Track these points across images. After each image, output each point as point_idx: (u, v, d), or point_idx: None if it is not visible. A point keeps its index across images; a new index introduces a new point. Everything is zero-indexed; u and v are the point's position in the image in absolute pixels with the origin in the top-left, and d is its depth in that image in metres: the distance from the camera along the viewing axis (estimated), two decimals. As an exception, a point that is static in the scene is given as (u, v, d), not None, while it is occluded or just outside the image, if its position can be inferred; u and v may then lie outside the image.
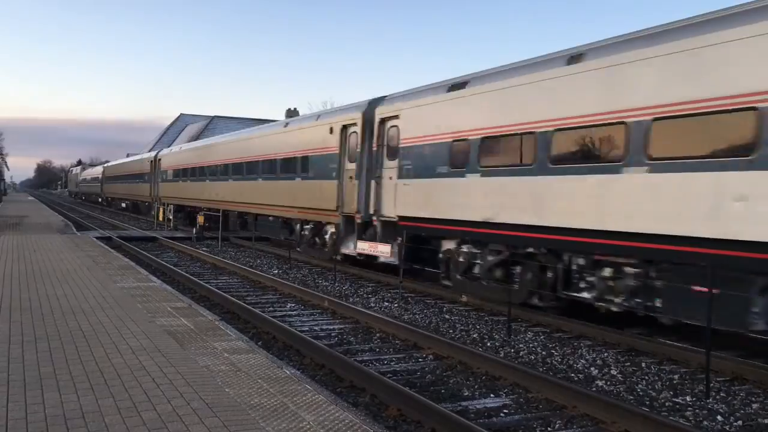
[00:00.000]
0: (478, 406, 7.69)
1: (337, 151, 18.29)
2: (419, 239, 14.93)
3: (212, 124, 73.45)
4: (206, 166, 31.04)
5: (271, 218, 22.98)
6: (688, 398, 8.23)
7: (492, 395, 8.13)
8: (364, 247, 15.15)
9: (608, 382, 8.77)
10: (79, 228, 31.51)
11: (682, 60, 9.68)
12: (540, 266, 12.05)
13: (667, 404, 8.02)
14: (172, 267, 18.24)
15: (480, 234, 13.18)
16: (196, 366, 7.43)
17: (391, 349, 10.26)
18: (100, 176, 70.10)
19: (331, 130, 18.67)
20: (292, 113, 56.27)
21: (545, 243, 11.78)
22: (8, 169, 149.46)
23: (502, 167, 12.66)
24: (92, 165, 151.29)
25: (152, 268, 18.42)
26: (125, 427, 5.57)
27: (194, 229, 29.25)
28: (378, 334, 11.19)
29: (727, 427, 7.36)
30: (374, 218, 16.39)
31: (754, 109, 8.81)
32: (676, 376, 9.12)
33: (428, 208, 14.39)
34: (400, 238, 15.28)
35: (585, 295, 11.22)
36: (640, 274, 10.28)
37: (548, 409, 7.70)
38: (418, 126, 14.73)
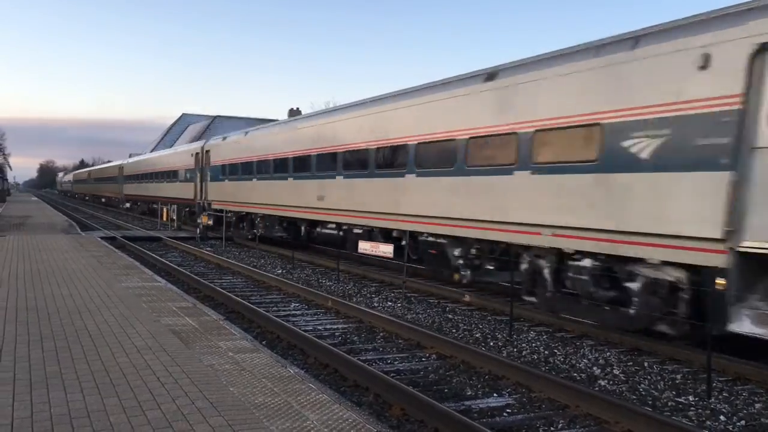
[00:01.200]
0: (481, 406, 7.72)
1: None
2: (430, 244, 14.73)
3: (214, 124, 73.60)
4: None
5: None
6: (690, 398, 8.25)
7: (495, 395, 8.16)
8: (366, 247, 15.17)
9: (611, 382, 8.79)
10: (83, 228, 31.63)
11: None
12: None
13: (669, 404, 8.04)
14: (176, 267, 18.30)
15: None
16: (201, 365, 7.46)
17: (394, 349, 10.29)
18: (72, 180, 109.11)
19: None
20: (294, 113, 56.26)
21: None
22: (11, 169, 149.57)
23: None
24: (82, 165, 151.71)
25: (157, 268, 18.48)
26: (130, 427, 5.61)
27: (198, 230, 29.20)
28: (381, 334, 11.22)
29: (729, 427, 7.38)
30: None
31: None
32: (678, 376, 9.14)
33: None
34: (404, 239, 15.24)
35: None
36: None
37: (551, 408, 7.72)
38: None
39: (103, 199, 69.63)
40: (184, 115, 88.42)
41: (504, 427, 7.13)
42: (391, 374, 8.73)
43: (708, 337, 8.50)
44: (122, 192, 56.72)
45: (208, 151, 30.57)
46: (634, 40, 10.12)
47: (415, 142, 14.81)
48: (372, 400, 7.79)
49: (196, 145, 33.78)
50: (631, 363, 9.72)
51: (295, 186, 20.87)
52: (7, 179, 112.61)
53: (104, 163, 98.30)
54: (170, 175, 38.40)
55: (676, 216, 9.24)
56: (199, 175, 31.85)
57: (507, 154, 12.12)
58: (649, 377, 9.05)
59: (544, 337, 11.20)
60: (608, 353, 10.20)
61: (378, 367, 9.01)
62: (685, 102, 9.12)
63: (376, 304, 13.83)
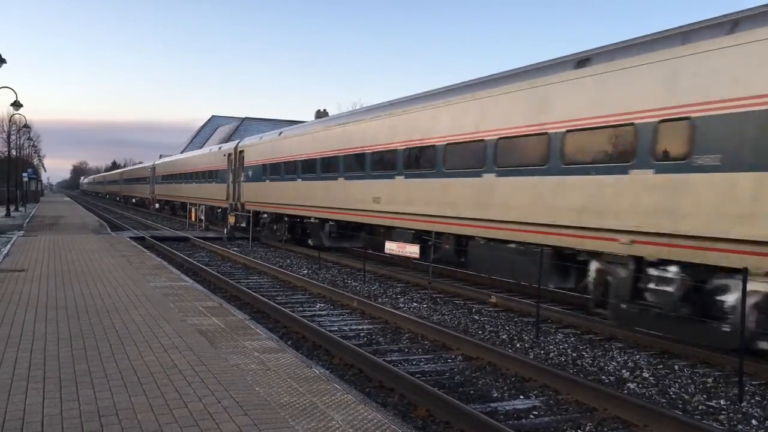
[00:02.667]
0: (507, 408, 7.65)
1: None
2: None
3: (243, 125, 74.11)
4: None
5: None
6: (721, 402, 8.10)
7: (521, 397, 8.09)
8: (393, 247, 15.14)
9: (640, 385, 8.67)
10: (113, 228, 32.03)
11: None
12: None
13: (700, 408, 7.91)
14: (203, 267, 18.45)
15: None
16: (227, 365, 7.50)
17: (419, 350, 10.25)
18: (92, 181, 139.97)
19: None
20: (321, 114, 56.32)
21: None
22: (45, 171, 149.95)
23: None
24: (114, 167, 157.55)
25: (184, 268, 18.65)
26: (158, 425, 5.65)
27: (225, 230, 29.36)
28: (407, 335, 11.19)
29: (762, 432, 7.23)
30: None
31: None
32: (709, 380, 8.98)
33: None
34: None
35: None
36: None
37: (578, 411, 7.63)
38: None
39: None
40: (213, 117, 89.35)
41: (530, 430, 7.06)
42: (417, 375, 8.69)
43: (741, 340, 8.34)
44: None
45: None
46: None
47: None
48: (397, 401, 7.77)
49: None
50: (660, 366, 9.57)
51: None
52: (41, 180, 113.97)
53: (136, 164, 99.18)
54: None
55: None
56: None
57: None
58: (679, 380, 8.91)
59: (572, 339, 11.08)
60: (637, 356, 10.06)
61: (403, 368, 8.98)
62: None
63: (401, 305, 13.79)
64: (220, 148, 35.58)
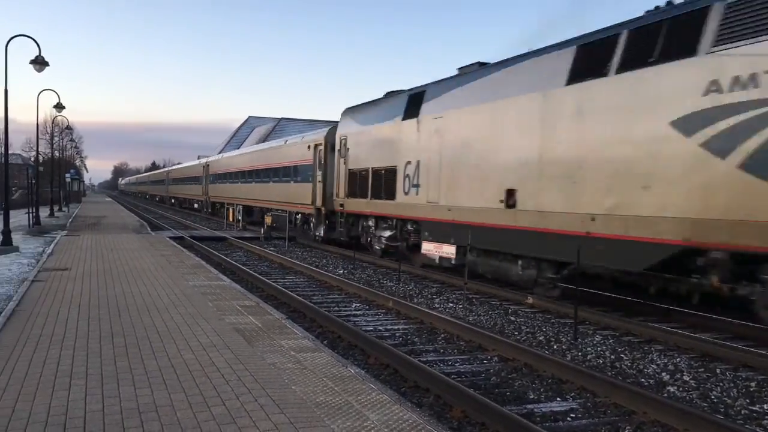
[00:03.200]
0: (543, 410, 7.59)
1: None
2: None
3: (280, 126, 74.61)
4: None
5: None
6: (765, 406, 7.91)
7: (558, 399, 8.01)
8: (429, 248, 15.06)
9: (680, 388, 8.51)
10: (153, 228, 32.42)
11: None
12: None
13: (743, 412, 7.74)
14: (240, 266, 18.63)
15: None
16: (264, 363, 7.57)
17: (455, 350, 10.22)
18: (130, 182, 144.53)
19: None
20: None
21: None
22: (87, 171, 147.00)
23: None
24: (153, 167, 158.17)
25: (222, 267, 18.87)
26: (196, 422, 5.74)
27: (262, 230, 29.40)
28: (442, 335, 11.16)
29: (807, 438, 7.04)
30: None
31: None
32: (752, 383, 8.78)
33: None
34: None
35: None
36: None
37: (616, 414, 7.53)
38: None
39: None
40: (250, 117, 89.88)
41: (567, 432, 6.99)
42: (452, 376, 8.66)
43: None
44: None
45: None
46: None
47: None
48: (432, 402, 7.75)
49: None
50: (702, 369, 9.39)
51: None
52: (83, 180, 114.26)
53: (174, 165, 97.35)
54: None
55: None
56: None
57: None
58: (721, 384, 8.73)
59: (611, 341, 10.93)
60: (678, 359, 9.87)
61: (439, 369, 8.96)
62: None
63: (437, 305, 13.73)
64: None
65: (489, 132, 14.17)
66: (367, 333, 10.71)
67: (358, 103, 22.22)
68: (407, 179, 17.44)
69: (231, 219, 35.66)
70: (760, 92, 8.88)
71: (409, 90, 18.42)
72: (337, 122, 23.11)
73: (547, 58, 12.99)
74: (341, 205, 21.83)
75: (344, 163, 21.60)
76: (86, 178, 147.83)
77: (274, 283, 15.48)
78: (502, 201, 13.49)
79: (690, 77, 9.82)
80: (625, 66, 10.99)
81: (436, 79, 17.15)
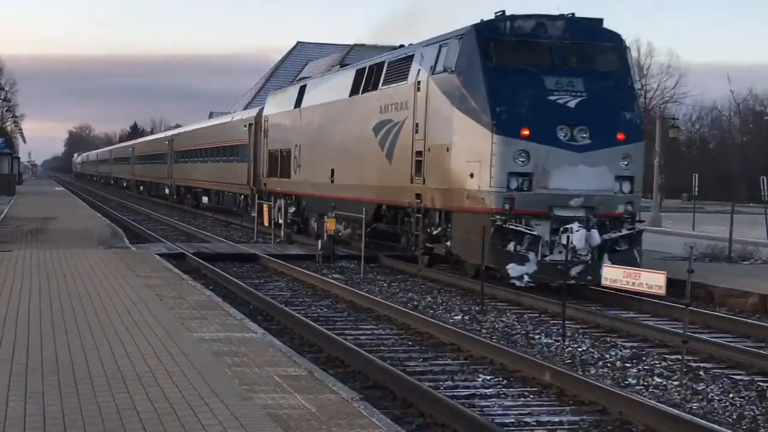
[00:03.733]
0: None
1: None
2: None
3: (352, 57, 47.41)
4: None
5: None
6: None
7: None
8: (617, 276, 8.71)
9: None
10: (134, 239, 21.88)
11: None
12: None
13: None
14: (282, 306, 11.94)
15: None
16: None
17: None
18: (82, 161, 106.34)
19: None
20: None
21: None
22: (24, 141, 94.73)
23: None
24: (133, 133, 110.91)
25: (249, 308, 12.20)
26: None
27: (319, 243, 18.42)
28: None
29: None
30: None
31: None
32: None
33: None
34: None
35: None
36: None
37: None
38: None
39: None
40: (300, 45, 58.06)
41: None
42: None
43: None
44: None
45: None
46: None
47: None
48: None
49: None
50: None
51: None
52: (17, 157, 69.86)
53: (172, 127, 62.16)
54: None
55: None
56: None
57: None
58: None
59: None
60: None
61: None
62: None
63: (632, 380, 8.09)
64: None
65: (324, 124, 19.84)
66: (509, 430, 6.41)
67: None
68: (295, 160, 21.63)
69: (266, 223, 23.13)
70: (393, 115, 15.97)
71: (300, 80, 25.50)
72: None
73: (347, 71, 19.53)
74: (264, 185, 24.60)
75: (266, 144, 24.63)
76: (23, 153, 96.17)
77: (339, 337, 9.71)
78: (329, 178, 18.98)
79: (374, 101, 17.01)
80: (363, 89, 17.67)
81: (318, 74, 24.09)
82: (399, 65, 16.00)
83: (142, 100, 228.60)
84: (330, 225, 17.63)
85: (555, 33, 13.56)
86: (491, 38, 13.45)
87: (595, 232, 12.58)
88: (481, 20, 13.99)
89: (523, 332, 10.64)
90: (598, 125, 12.95)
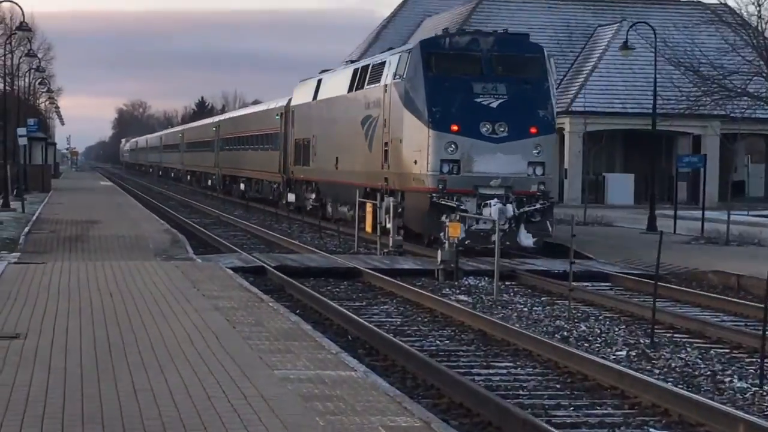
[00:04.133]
0: None
1: None
2: None
3: (482, 7, 40.70)
4: None
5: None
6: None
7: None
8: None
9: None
10: (200, 248, 19.06)
11: None
12: None
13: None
14: (390, 337, 9.45)
15: None
16: None
17: None
18: (130, 148, 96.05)
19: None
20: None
21: None
22: (63, 123, 77.72)
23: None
24: (200, 111, 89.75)
25: (348, 338, 9.88)
26: None
27: (438, 254, 14.83)
28: None
29: None
30: None
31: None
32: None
33: None
34: None
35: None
36: None
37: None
38: None
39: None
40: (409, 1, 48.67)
41: None
42: None
43: None
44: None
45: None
46: None
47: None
48: None
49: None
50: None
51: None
52: (54, 144, 57.84)
53: (250, 104, 57.10)
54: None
55: None
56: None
57: None
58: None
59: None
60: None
61: None
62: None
63: None
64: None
65: (332, 116, 23.11)
66: None
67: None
68: (313, 149, 24.28)
69: (369, 228, 19.01)
70: (372, 111, 19.02)
71: (322, 72, 26.32)
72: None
73: (348, 69, 23.23)
74: (292, 172, 27.16)
75: (293, 134, 27.03)
76: (60, 138, 78.77)
77: (464, 378, 7.75)
78: (335, 165, 22.12)
79: (362, 98, 20.15)
80: (356, 87, 20.83)
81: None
82: (378, 69, 19.31)
83: (211, 68, 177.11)
84: (453, 230, 14.53)
85: (486, 47, 16.93)
86: (432, 52, 17.01)
87: (510, 207, 15.82)
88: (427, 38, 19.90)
89: (708, 373, 8.23)
90: (514, 121, 16.28)
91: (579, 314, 11.45)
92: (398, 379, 7.79)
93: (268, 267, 14.92)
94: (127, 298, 10.39)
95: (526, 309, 12.01)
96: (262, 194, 32.22)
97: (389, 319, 11.33)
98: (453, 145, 16.14)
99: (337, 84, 22.71)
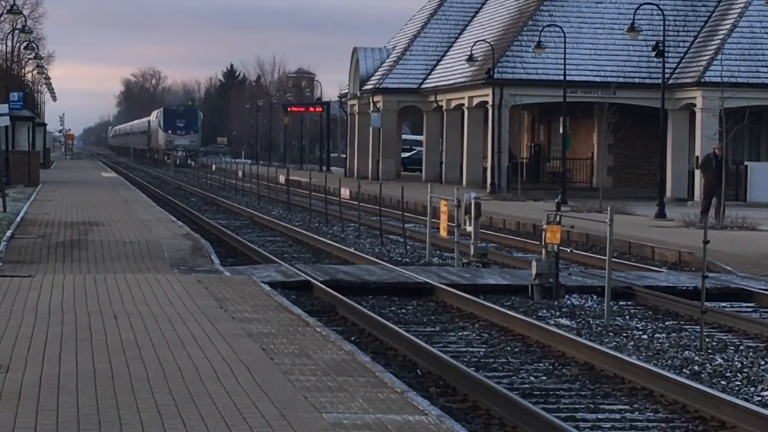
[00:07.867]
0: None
1: None
2: None
3: None
4: None
5: None
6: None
7: None
8: None
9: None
10: (229, 256, 16.47)
11: None
12: None
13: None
14: (471, 372, 7.55)
15: None
16: None
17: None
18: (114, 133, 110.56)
19: None
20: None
21: None
22: (54, 99, 64.96)
23: None
24: (229, 80, 78.09)
25: (417, 373, 7.90)
26: None
27: (533, 267, 12.12)
28: None
29: None
30: None
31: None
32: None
33: None
34: None
35: None
36: None
37: None
38: None
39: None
40: None
41: None
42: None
43: None
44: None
45: None
46: None
47: None
48: None
49: None
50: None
51: None
52: (44, 124, 47.71)
53: (293, 73, 47.16)
54: None
55: None
56: None
57: None
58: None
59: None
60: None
61: None
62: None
63: None
64: None
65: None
66: None
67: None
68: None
69: (444, 233, 15.88)
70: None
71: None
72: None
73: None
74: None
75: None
76: (52, 117, 65.20)
77: (566, 424, 6.20)
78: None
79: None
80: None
81: None
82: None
83: (240, 30, 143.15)
84: (552, 235, 11.85)
85: None
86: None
87: None
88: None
89: None
90: None
91: (714, 343, 9.53)
92: (481, 425, 6.20)
93: (315, 281, 12.42)
94: (136, 321, 8.53)
95: (645, 336, 10.06)
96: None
97: (470, 349, 9.42)
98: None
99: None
